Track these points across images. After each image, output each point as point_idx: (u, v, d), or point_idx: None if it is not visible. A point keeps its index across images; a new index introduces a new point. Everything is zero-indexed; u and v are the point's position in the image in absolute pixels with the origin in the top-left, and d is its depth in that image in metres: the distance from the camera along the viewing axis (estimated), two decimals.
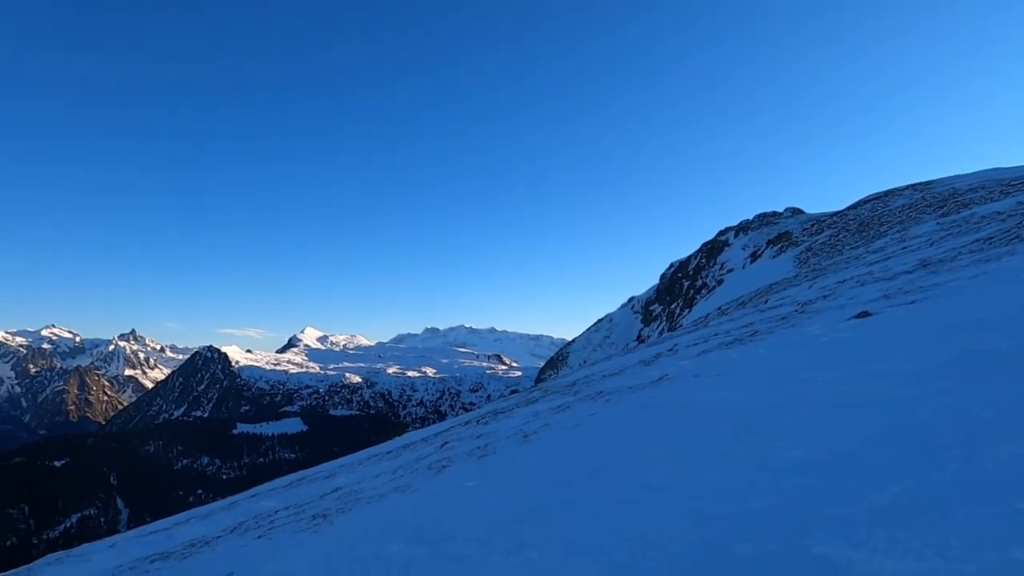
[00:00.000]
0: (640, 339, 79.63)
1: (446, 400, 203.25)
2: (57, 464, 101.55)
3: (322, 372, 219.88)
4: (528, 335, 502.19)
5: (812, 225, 48.51)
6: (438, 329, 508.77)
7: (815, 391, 6.27)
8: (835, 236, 39.04)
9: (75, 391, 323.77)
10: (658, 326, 77.92)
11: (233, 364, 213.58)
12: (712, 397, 7.62)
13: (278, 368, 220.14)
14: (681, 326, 42.80)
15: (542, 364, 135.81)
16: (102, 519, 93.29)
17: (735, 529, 3.57)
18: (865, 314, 10.01)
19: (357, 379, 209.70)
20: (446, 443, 11.58)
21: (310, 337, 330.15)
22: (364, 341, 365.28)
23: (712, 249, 68.21)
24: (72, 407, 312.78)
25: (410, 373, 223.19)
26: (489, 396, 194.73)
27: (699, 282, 66.20)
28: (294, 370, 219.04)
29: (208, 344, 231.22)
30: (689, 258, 77.64)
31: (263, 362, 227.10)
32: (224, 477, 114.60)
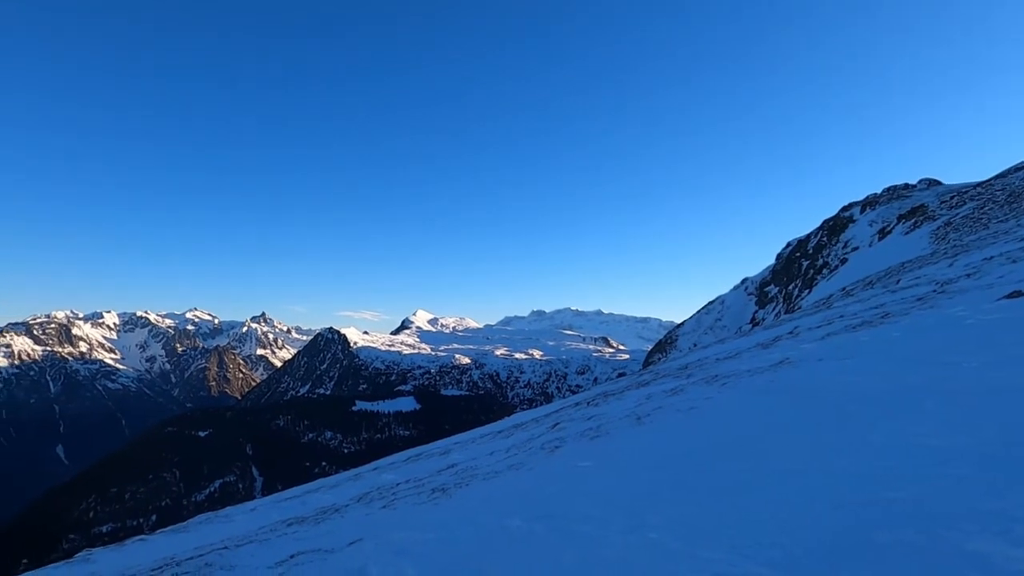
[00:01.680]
0: (754, 322, 76.22)
1: (553, 382, 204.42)
2: (201, 434, 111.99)
3: (433, 353, 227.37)
4: (635, 318, 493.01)
5: (951, 197, 44.25)
6: (544, 312, 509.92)
7: (960, 376, 5.78)
8: (979, 208, 35.44)
9: (215, 368, 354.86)
10: (774, 308, 74.20)
11: (352, 345, 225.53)
12: (840, 381, 7.20)
13: (392, 349, 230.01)
14: (800, 308, 40.60)
15: (650, 347, 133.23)
16: (240, 485, 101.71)
17: (873, 518, 3.38)
18: (1018, 294, 9.07)
19: (466, 360, 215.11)
20: (557, 424, 11.69)
21: (421, 319, 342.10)
22: (472, 323, 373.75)
23: (835, 226, 63.81)
24: (213, 383, 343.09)
25: (517, 355, 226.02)
26: (596, 379, 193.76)
27: (820, 261, 62.19)
28: (407, 351, 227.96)
29: (329, 326, 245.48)
30: (808, 236, 73.09)
31: (379, 343, 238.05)
32: (345, 451, 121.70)
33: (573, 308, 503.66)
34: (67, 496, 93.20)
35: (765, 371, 9.55)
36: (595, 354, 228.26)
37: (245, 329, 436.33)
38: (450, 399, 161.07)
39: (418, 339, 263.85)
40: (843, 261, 52.37)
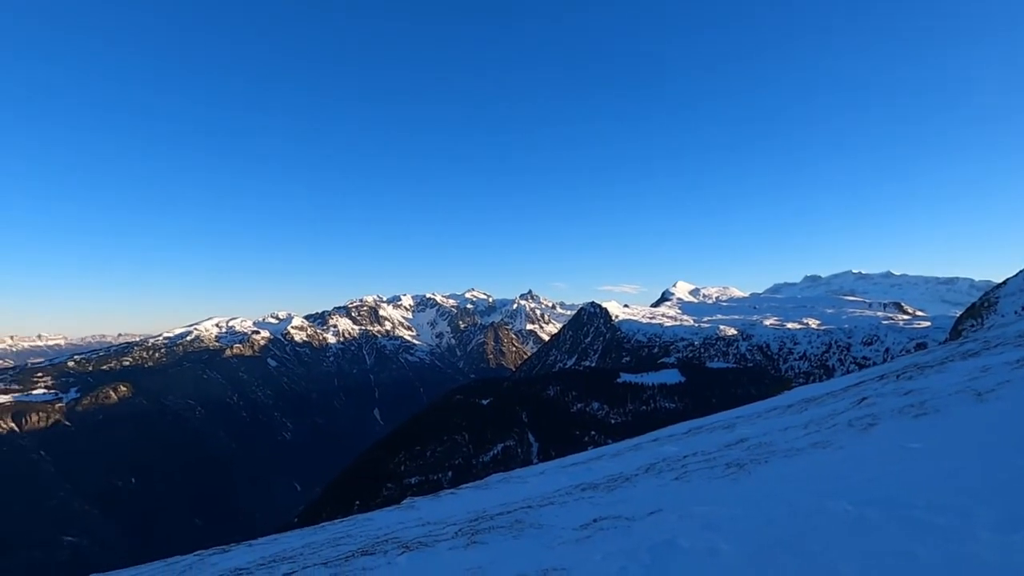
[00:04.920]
0: None
1: (833, 354, 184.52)
2: (484, 402, 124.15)
3: (695, 325, 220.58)
4: (937, 278, 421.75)
5: None
6: (819, 276, 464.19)
7: None
8: None
9: (492, 343, 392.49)
10: None
11: (613, 318, 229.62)
12: None
13: (653, 321, 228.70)
14: None
15: (957, 312, 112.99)
16: (518, 449, 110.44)
17: None
18: None
19: (732, 331, 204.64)
20: (864, 399, 10.39)
21: (682, 290, 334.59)
22: (737, 292, 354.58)
23: None
24: (491, 356, 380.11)
25: (789, 325, 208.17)
26: (887, 350, 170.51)
27: None
28: (668, 323, 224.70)
29: (590, 301, 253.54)
30: None
31: (639, 316, 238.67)
32: (612, 421, 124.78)
33: (854, 271, 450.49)
34: (384, 451, 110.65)
35: None
36: (885, 322, 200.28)
37: (515, 306, 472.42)
38: (716, 372, 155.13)
39: (679, 311, 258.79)
40: None
